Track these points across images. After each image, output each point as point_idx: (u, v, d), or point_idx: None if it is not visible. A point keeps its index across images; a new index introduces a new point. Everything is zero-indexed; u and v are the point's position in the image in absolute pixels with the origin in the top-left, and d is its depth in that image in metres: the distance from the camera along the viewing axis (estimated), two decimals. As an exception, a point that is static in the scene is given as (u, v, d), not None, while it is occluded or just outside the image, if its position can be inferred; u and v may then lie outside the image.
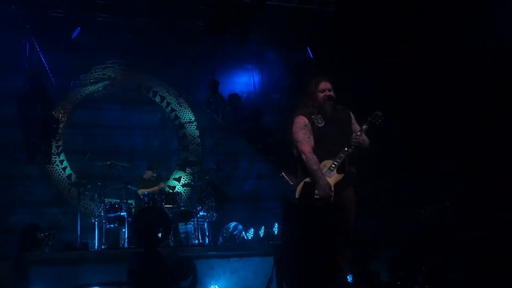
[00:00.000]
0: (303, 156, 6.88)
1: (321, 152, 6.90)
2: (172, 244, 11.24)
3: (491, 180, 10.12)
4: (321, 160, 6.87)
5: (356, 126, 7.21)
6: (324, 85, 7.12)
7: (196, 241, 11.77)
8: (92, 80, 14.15)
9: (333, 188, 6.72)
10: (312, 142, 6.96)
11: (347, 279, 7.23)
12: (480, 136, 10.35)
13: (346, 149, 6.87)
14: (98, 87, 14.21)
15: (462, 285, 6.18)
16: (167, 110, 14.96)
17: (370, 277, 6.57)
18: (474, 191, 10.27)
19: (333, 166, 6.81)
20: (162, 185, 12.65)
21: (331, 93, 7.08)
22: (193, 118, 15.09)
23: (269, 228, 12.46)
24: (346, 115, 7.18)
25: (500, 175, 9.98)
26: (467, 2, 10.39)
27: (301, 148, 6.94)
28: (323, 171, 6.79)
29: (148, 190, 11.93)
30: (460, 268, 6.37)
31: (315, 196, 6.61)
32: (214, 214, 12.27)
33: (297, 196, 6.72)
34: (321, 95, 7.07)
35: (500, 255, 6.16)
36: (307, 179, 6.72)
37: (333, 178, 6.79)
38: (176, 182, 14.59)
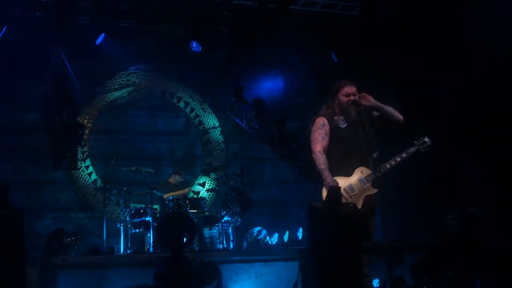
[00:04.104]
0: (313, 155, 6.90)
1: (345, 153, 6.90)
2: (197, 248, 11.25)
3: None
4: (342, 161, 6.87)
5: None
6: (349, 89, 7.09)
7: (221, 246, 11.78)
8: (116, 86, 14.21)
9: (362, 201, 6.72)
10: (326, 142, 6.96)
11: (373, 284, 7.21)
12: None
13: (374, 155, 6.87)
14: (122, 93, 14.27)
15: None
16: (191, 116, 14.98)
17: (395, 282, 6.53)
18: (501, 195, 10.21)
19: (370, 177, 6.80)
20: (186, 190, 12.70)
21: (356, 97, 7.05)
22: (217, 124, 15.09)
23: (293, 233, 12.44)
24: (370, 118, 7.15)
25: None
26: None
27: (312, 147, 6.96)
28: (358, 178, 6.79)
29: (174, 193, 11.98)
30: (487, 274, 6.32)
31: (343, 200, 6.62)
32: (239, 219, 12.28)
33: (323, 200, 6.71)
34: (345, 99, 7.05)
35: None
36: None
37: (366, 189, 6.77)
38: (200, 187, 14.62)
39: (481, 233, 6.35)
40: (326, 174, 6.75)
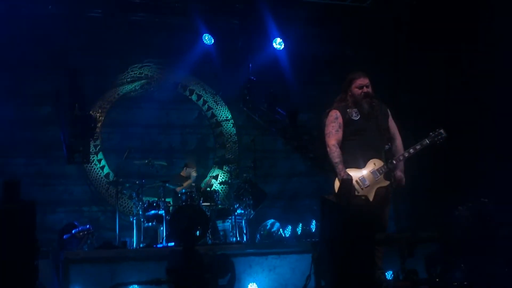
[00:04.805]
0: (328, 149, 6.96)
1: (358, 145, 6.92)
2: (210, 242, 11.24)
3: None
4: (354, 153, 6.86)
5: (392, 123, 7.18)
6: (362, 81, 7.09)
7: (234, 239, 11.76)
8: (129, 79, 14.17)
9: (374, 193, 6.71)
10: (339, 135, 6.99)
11: (386, 276, 7.19)
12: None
13: (386, 147, 6.85)
14: (135, 86, 14.23)
15: (503, 281, 6.10)
16: (203, 108, 14.94)
17: (408, 273, 6.50)
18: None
19: (383, 169, 6.78)
20: (197, 185, 12.61)
21: (369, 89, 7.05)
22: (229, 116, 15.04)
23: (306, 226, 12.40)
24: (383, 111, 7.13)
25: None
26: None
27: (327, 140, 7.02)
28: (371, 170, 6.77)
29: (185, 185, 11.99)
30: (501, 264, 6.28)
31: (355, 192, 6.60)
32: (252, 212, 12.26)
33: (335, 192, 6.70)
34: (358, 91, 7.05)
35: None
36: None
37: (378, 181, 6.76)
38: (213, 180, 14.59)
39: (493, 224, 6.31)
40: (340, 168, 6.75)
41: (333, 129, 7.00)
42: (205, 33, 13.34)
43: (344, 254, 5.69)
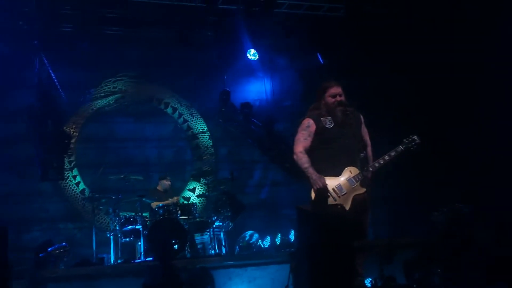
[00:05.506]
0: (294, 156, 6.99)
1: (333, 153, 6.92)
2: (189, 255, 11.19)
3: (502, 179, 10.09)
4: (330, 161, 6.85)
5: (364, 129, 7.19)
6: (335, 90, 7.10)
7: (213, 252, 11.70)
8: (103, 94, 14.08)
9: (351, 200, 6.70)
10: (307, 143, 7.03)
11: (365, 283, 7.16)
12: (492, 136, 10.31)
13: (361, 154, 6.85)
14: (109, 100, 14.15)
15: (479, 285, 6.10)
16: (179, 121, 14.90)
17: (387, 280, 6.49)
18: (486, 191, 10.24)
19: (359, 177, 6.77)
20: (175, 198, 12.54)
21: (342, 98, 7.05)
22: (205, 128, 15.00)
23: (285, 235, 12.40)
24: (356, 118, 7.12)
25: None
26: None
27: (294, 148, 7.06)
28: (347, 178, 6.75)
29: (163, 202, 11.88)
30: (476, 268, 6.29)
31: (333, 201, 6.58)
32: (230, 224, 12.22)
33: (311, 200, 6.69)
34: (331, 100, 7.05)
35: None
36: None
37: (355, 188, 6.76)
38: (191, 193, 14.52)
39: (468, 228, 6.33)
40: (311, 171, 6.77)
41: (302, 136, 7.02)
42: (180, 45, 13.29)
43: (321, 263, 5.66)
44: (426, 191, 11.20)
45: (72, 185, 13.42)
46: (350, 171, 6.82)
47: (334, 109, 7.02)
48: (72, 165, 13.49)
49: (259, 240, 12.43)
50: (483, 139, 10.63)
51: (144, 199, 11.73)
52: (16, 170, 12.70)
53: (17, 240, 11.81)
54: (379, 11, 12.54)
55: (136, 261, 11.15)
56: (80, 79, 13.48)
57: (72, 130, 13.50)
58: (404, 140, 7.04)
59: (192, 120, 14.96)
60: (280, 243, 12.40)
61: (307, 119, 7.12)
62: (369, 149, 7.14)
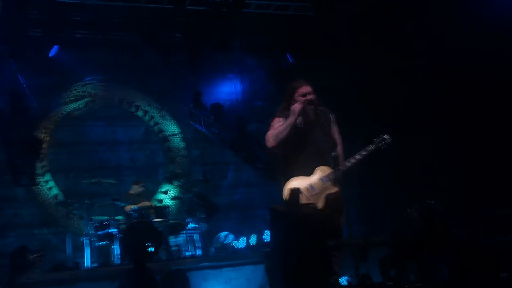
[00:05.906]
0: (268, 143, 7.04)
1: (304, 153, 6.90)
2: (164, 257, 11.18)
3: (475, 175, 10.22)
4: (301, 161, 6.87)
5: (334, 128, 7.20)
6: (304, 89, 7.09)
7: (188, 253, 11.70)
8: (72, 98, 13.99)
9: (324, 199, 6.72)
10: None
11: (340, 282, 7.20)
12: (463, 132, 10.43)
13: (333, 153, 6.87)
14: (79, 104, 14.06)
15: (453, 280, 6.17)
16: (150, 124, 14.86)
17: (362, 278, 6.54)
18: (458, 187, 10.36)
19: (331, 176, 6.78)
20: (147, 203, 12.46)
21: (312, 96, 7.05)
22: (177, 130, 14.98)
23: (260, 236, 12.43)
24: (326, 117, 7.13)
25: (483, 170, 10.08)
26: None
27: (266, 136, 7.05)
28: (319, 177, 6.77)
29: (137, 206, 11.84)
30: (452, 262, 6.36)
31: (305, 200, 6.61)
32: (205, 225, 12.22)
33: (284, 200, 6.70)
34: (301, 99, 7.04)
35: (486, 247, 6.16)
36: (292, 186, 6.69)
37: (327, 187, 6.76)
38: (164, 195, 14.48)
39: (442, 224, 6.39)
40: (291, 119, 6.81)
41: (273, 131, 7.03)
42: (149, 48, 13.25)
43: (295, 262, 5.70)
44: (400, 189, 11.28)
45: (45, 190, 13.33)
46: (322, 170, 6.81)
47: (304, 108, 7.03)
48: (44, 170, 13.40)
49: (234, 241, 12.45)
50: (457, 136, 10.73)
51: (117, 202, 11.71)
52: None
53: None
54: (349, 10, 12.61)
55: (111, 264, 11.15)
56: (50, 83, 13.42)
57: (43, 135, 13.41)
58: (375, 139, 7.07)
59: (163, 123, 14.93)
60: (255, 243, 12.42)
61: (277, 118, 7.12)
62: (339, 148, 7.13)
